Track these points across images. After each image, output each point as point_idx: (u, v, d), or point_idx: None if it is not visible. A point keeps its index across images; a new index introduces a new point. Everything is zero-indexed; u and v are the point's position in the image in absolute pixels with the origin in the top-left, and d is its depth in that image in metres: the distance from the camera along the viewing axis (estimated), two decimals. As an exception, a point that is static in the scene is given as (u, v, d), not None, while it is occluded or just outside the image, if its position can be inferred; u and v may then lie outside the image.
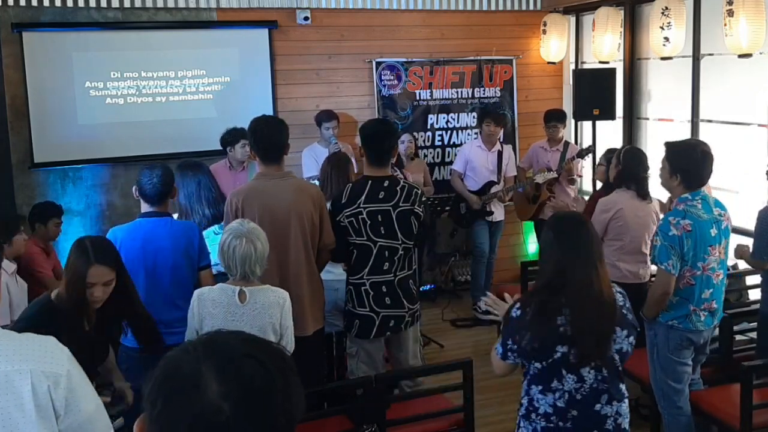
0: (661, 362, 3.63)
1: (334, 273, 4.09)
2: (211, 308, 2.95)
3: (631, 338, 2.65)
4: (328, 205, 3.82)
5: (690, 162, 3.45)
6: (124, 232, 3.49)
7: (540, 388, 2.62)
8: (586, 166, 6.59)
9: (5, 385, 1.66)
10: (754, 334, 4.39)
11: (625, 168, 4.29)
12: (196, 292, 3.03)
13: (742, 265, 4.98)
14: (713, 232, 3.45)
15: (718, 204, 3.58)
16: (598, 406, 2.61)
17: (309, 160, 5.98)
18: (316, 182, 5.34)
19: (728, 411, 3.56)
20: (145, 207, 3.55)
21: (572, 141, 6.92)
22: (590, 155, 6.23)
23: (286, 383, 1.02)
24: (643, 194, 4.28)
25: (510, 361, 2.66)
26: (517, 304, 2.63)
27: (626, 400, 2.70)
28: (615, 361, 2.63)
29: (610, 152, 4.84)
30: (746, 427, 3.42)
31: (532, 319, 2.55)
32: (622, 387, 2.68)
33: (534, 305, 2.56)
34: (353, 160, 5.37)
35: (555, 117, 6.32)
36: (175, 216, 4.21)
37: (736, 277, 4.97)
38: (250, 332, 2.97)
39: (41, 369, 1.70)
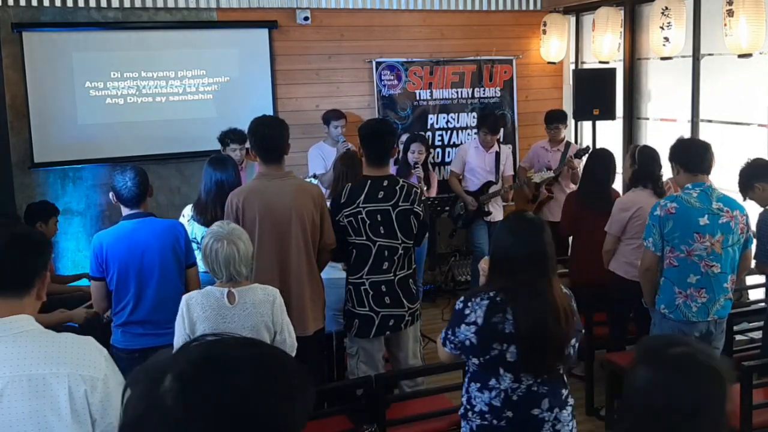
0: None
1: (341, 271, 4.08)
2: (200, 312, 2.90)
3: (574, 341, 2.59)
4: (329, 204, 3.82)
5: (682, 149, 3.71)
6: (108, 236, 3.46)
7: (478, 385, 2.60)
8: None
9: (42, 388, 1.67)
10: (754, 334, 4.40)
11: (641, 167, 4.32)
12: (184, 297, 2.97)
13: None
14: (703, 221, 3.52)
15: (725, 201, 3.60)
16: (536, 411, 2.55)
17: (316, 157, 6.00)
18: (313, 180, 5.37)
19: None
20: (125, 210, 3.51)
21: (572, 141, 6.91)
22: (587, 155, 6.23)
23: (262, 389, 0.97)
24: (660, 192, 4.29)
25: (447, 349, 2.65)
26: (462, 297, 2.62)
27: (569, 408, 2.62)
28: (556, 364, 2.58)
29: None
30: (746, 427, 3.42)
31: (473, 315, 2.54)
32: (565, 392, 2.62)
33: (477, 300, 2.55)
34: None
35: (557, 118, 6.32)
36: (189, 207, 4.22)
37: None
38: (243, 332, 2.95)
39: (79, 372, 1.70)
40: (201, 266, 3.37)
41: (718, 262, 3.56)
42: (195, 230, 4.04)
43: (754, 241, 3.84)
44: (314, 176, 5.65)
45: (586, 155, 6.13)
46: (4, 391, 1.65)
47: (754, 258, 4.00)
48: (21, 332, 1.72)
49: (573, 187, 6.32)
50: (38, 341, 1.73)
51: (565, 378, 2.66)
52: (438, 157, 7.13)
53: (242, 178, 5.31)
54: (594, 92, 6.21)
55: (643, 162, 4.33)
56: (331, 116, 6.10)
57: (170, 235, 3.50)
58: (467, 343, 2.55)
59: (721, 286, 3.59)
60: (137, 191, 3.46)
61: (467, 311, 2.55)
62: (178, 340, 2.93)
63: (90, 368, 1.72)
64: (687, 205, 3.54)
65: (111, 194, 3.54)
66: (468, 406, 2.64)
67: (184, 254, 3.52)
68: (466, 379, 2.68)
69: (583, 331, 2.68)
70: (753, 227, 3.90)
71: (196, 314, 2.91)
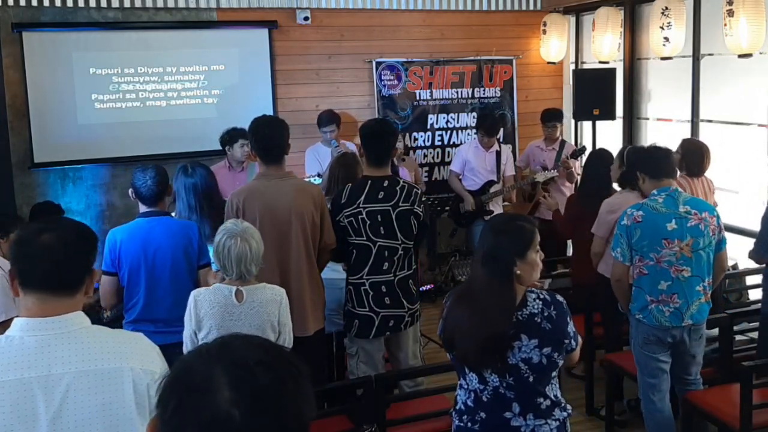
0: (635, 355, 3.75)
1: (338, 272, 4.08)
2: (208, 309, 2.93)
3: (547, 350, 2.44)
4: (329, 204, 3.82)
5: (644, 157, 3.75)
6: (123, 232, 3.51)
7: (459, 383, 2.62)
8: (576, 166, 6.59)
9: (108, 382, 1.71)
10: (754, 334, 4.39)
11: (630, 169, 4.30)
12: (192, 293, 3.01)
13: (742, 265, 4.98)
14: (671, 226, 3.48)
15: (692, 203, 3.57)
16: (508, 414, 2.48)
17: (311, 159, 6.00)
18: (317, 179, 5.36)
19: (728, 411, 3.56)
20: (143, 207, 3.57)
21: (572, 141, 6.92)
22: (583, 155, 6.24)
23: (297, 389, 1.02)
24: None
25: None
26: (449, 293, 2.68)
27: (552, 422, 2.50)
28: (521, 370, 2.45)
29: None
30: (746, 427, 3.42)
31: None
32: (543, 402, 2.49)
33: (451, 297, 2.62)
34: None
35: (555, 116, 6.33)
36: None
37: (736, 277, 4.97)
38: (249, 331, 2.97)
39: (141, 367, 1.75)
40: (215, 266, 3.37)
41: (689, 266, 3.51)
42: None
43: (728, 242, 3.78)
44: (318, 175, 5.64)
45: (583, 155, 6.15)
46: (70, 387, 1.69)
47: (753, 250, 3.99)
48: (81, 329, 1.76)
49: (568, 185, 6.35)
50: (98, 337, 1.77)
51: (551, 390, 2.53)
52: (438, 157, 7.13)
53: (243, 177, 5.33)
54: (594, 92, 6.21)
55: (631, 163, 4.31)
56: (320, 121, 5.97)
57: (183, 236, 3.53)
58: (443, 338, 2.60)
59: (693, 290, 3.53)
60: (156, 190, 3.51)
61: (445, 303, 2.62)
62: (185, 338, 2.98)
63: (149, 362, 1.78)
64: (653, 212, 3.51)
65: (130, 191, 3.59)
66: (454, 405, 2.66)
67: (197, 255, 3.56)
68: None
69: (567, 342, 2.52)
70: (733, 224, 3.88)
71: (203, 311, 2.93)
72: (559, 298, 2.56)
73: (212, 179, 4.13)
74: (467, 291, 2.55)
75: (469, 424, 2.54)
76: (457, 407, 2.62)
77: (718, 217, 3.59)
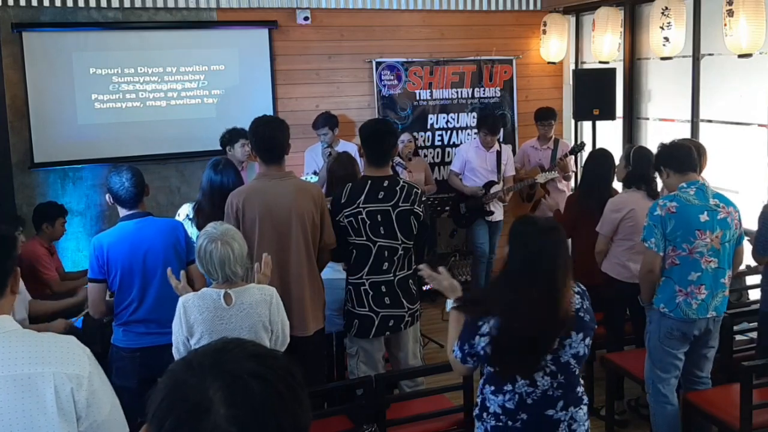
0: (651, 349, 3.75)
1: (340, 272, 4.08)
2: (198, 315, 2.88)
3: (588, 340, 2.59)
4: (329, 204, 3.82)
5: (668, 152, 3.77)
6: (109, 237, 3.44)
7: (492, 388, 2.60)
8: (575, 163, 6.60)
9: (28, 387, 1.67)
10: (754, 334, 4.39)
11: (635, 168, 4.31)
12: (181, 299, 2.95)
13: (742, 264, 4.99)
14: (703, 218, 3.54)
15: (720, 197, 3.65)
16: (550, 412, 2.55)
17: (309, 159, 6.07)
18: (313, 177, 5.38)
19: (728, 411, 3.56)
20: (123, 211, 3.49)
21: (572, 141, 6.92)
22: (583, 151, 6.26)
23: (293, 400, 1.01)
24: (653, 194, 4.29)
25: (470, 365, 2.63)
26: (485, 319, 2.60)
27: (584, 406, 2.63)
28: (571, 365, 2.56)
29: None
30: (746, 427, 3.42)
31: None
32: (580, 390, 2.63)
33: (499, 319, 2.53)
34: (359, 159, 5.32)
35: (549, 115, 6.36)
36: (187, 206, 4.20)
37: (735, 277, 4.97)
38: (241, 333, 2.90)
39: (64, 371, 1.70)
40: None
41: (716, 258, 3.58)
42: (189, 231, 4.03)
43: (746, 237, 3.85)
44: (315, 173, 5.66)
45: (582, 151, 6.16)
46: None
47: (753, 249, 4.01)
48: (2, 333, 1.72)
49: (565, 183, 6.36)
50: (20, 341, 1.72)
51: (580, 373, 2.66)
52: (438, 157, 7.13)
53: (243, 177, 5.33)
54: (594, 92, 6.21)
55: (637, 163, 4.33)
56: (315, 124, 6.02)
57: (171, 235, 3.50)
58: (482, 353, 2.54)
59: (718, 282, 3.61)
60: (135, 191, 3.44)
61: (480, 322, 2.54)
62: (177, 343, 2.92)
63: (75, 366, 1.72)
64: (687, 204, 3.57)
65: (107, 196, 3.50)
66: (482, 407, 2.65)
67: (185, 252, 3.52)
68: (481, 381, 2.67)
69: (596, 327, 2.65)
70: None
71: (193, 317, 2.88)
72: (582, 285, 2.67)
73: (239, 182, 4.11)
74: (516, 306, 2.48)
75: (510, 423, 2.56)
76: (491, 410, 2.60)
77: (739, 212, 3.68)
